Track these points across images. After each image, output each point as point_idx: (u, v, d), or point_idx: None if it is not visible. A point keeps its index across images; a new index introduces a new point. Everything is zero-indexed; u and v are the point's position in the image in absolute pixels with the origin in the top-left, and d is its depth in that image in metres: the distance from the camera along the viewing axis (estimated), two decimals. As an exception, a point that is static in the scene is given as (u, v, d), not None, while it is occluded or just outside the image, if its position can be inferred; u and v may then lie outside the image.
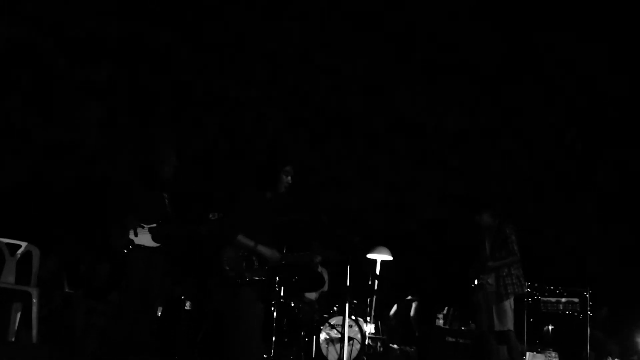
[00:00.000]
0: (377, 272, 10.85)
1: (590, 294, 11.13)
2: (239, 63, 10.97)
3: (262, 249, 5.82)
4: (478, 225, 8.18)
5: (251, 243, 5.80)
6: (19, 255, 6.67)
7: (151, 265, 6.90)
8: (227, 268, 5.67)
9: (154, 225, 6.94)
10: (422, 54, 11.41)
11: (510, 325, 7.75)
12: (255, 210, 5.91)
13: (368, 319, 9.95)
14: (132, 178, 7.20)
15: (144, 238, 6.92)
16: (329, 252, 6.40)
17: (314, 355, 8.33)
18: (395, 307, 11.55)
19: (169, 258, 7.25)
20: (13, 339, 6.62)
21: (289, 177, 6.02)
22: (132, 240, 6.84)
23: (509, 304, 7.79)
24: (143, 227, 6.91)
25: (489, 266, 7.87)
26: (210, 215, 7.19)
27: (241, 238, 5.76)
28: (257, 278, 5.79)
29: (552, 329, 11.43)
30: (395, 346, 10.18)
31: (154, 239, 6.93)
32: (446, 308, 11.20)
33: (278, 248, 6.07)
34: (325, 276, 9.25)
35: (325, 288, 9.35)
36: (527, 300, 11.19)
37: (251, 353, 5.64)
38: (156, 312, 8.60)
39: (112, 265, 7.60)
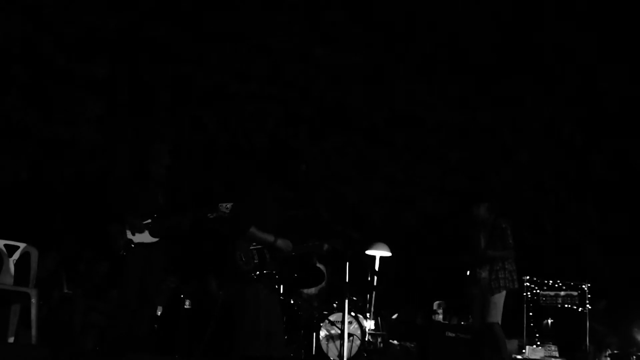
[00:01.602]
0: (376, 268, 10.86)
1: (588, 287, 11.16)
2: (238, 57, 10.96)
3: (280, 242, 5.82)
4: (475, 217, 8.18)
5: (270, 237, 5.78)
6: (17, 256, 6.66)
7: (150, 262, 6.96)
8: (242, 262, 5.65)
9: (149, 220, 6.99)
10: (420, 48, 11.39)
11: (497, 318, 7.79)
12: (267, 203, 5.89)
13: (368, 315, 9.96)
14: (126, 175, 7.27)
15: (142, 235, 6.97)
16: (334, 242, 6.39)
17: (314, 352, 8.33)
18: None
19: (169, 255, 7.31)
20: (12, 340, 6.61)
21: (302, 175, 6.02)
22: (131, 240, 6.89)
23: (499, 298, 7.83)
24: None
25: (488, 254, 7.87)
26: (209, 214, 7.18)
27: (255, 231, 5.73)
28: (270, 271, 5.77)
29: (551, 322, 11.47)
30: (395, 342, 10.21)
31: (151, 234, 6.97)
32: (435, 303, 11.23)
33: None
34: (324, 272, 9.26)
35: (324, 285, 9.36)
36: (526, 294, 11.22)
37: (274, 345, 5.63)
38: (156, 310, 8.63)
39: (111, 264, 7.61)
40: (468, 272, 8.08)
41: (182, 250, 8.57)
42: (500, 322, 7.79)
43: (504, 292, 7.82)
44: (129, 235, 6.91)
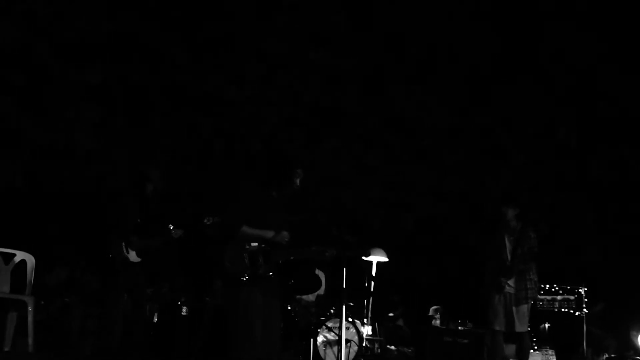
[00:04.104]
0: (373, 273, 10.84)
1: (585, 291, 11.16)
2: (233, 62, 10.93)
3: (276, 236, 5.76)
4: (501, 219, 8.14)
5: (265, 233, 5.73)
6: (13, 264, 6.65)
7: (138, 277, 7.42)
8: (229, 265, 5.60)
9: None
10: (416, 51, 11.36)
11: (527, 327, 7.91)
12: (260, 205, 5.84)
13: (365, 320, 9.95)
14: (127, 193, 7.50)
15: (132, 254, 7.38)
16: (334, 249, 6.29)
17: (311, 358, 8.32)
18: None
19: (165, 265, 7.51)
20: (9, 348, 6.59)
21: (298, 180, 5.98)
22: (127, 258, 7.19)
23: (527, 307, 7.90)
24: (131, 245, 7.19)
25: (520, 268, 7.89)
26: (205, 220, 7.27)
27: (246, 229, 5.68)
28: (265, 274, 5.71)
29: (548, 326, 11.45)
30: (392, 347, 10.20)
31: (137, 254, 7.25)
32: (432, 308, 11.22)
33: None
34: (322, 279, 9.25)
35: (322, 291, 9.34)
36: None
37: (261, 351, 5.59)
38: (149, 315, 8.71)
39: (105, 273, 7.75)
40: (490, 277, 8.06)
41: (180, 257, 8.62)
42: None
43: (530, 302, 7.93)
44: (125, 252, 7.25)
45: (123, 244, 7.29)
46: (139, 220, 7.46)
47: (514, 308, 7.86)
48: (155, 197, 7.64)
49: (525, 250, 7.87)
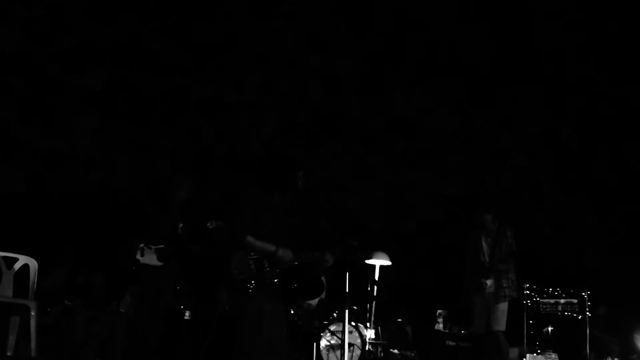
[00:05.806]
0: (376, 277, 10.82)
1: (588, 295, 11.15)
2: (233, 68, 10.93)
3: (281, 252, 5.69)
4: (478, 223, 8.17)
5: (270, 247, 5.66)
6: (16, 269, 6.62)
7: (159, 283, 7.24)
8: (236, 272, 5.55)
9: (161, 246, 7.11)
10: (415, 53, 11.36)
11: (504, 326, 7.83)
12: (262, 211, 5.79)
13: (368, 324, 9.92)
14: (148, 202, 7.45)
15: (150, 258, 7.16)
16: (336, 250, 6.22)
17: (314, 362, 8.31)
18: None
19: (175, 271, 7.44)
20: (11, 353, 6.55)
21: (300, 183, 5.94)
22: (138, 260, 7.09)
23: (505, 306, 7.86)
24: (150, 248, 7.06)
25: (499, 267, 7.88)
26: (208, 224, 7.23)
27: (252, 240, 5.62)
28: (270, 281, 5.66)
29: (551, 330, 11.44)
30: (395, 351, 10.17)
31: (158, 258, 7.09)
32: (438, 311, 11.19)
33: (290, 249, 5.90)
34: (324, 284, 9.22)
35: (323, 295, 9.32)
36: (526, 302, 11.20)
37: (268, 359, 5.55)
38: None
39: (109, 278, 7.69)
40: (469, 280, 8.08)
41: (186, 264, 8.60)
42: (504, 329, 7.85)
43: (507, 301, 7.88)
44: (137, 255, 7.14)
45: (140, 247, 7.17)
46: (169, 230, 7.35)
47: (490, 307, 7.84)
48: (183, 206, 7.53)
49: (504, 249, 7.89)
